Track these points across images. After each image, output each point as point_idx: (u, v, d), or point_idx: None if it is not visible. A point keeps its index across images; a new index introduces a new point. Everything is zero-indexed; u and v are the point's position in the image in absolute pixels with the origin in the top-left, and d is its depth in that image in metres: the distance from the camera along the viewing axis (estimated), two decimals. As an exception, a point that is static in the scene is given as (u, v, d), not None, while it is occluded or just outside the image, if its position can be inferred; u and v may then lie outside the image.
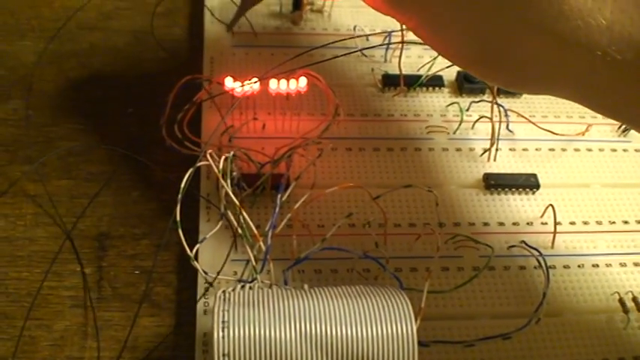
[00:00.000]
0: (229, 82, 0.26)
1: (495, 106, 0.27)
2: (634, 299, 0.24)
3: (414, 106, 0.29)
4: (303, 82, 0.27)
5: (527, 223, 0.26)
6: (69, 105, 0.29)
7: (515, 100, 0.30)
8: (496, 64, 0.18)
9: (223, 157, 0.24)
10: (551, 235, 0.25)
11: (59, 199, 0.26)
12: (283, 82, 0.27)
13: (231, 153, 0.23)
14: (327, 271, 0.24)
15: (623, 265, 0.25)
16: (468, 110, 0.29)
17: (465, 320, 0.23)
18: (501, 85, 0.20)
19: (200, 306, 0.22)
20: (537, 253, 0.24)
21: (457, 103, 0.29)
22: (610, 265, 0.25)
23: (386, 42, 0.30)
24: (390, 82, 0.30)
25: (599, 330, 0.23)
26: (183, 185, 0.22)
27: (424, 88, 0.30)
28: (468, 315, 0.23)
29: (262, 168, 0.25)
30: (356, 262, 0.23)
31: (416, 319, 0.19)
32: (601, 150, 0.29)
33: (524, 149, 0.28)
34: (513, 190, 0.27)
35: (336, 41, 0.29)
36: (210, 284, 0.23)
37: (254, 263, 0.22)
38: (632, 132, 0.29)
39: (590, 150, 0.28)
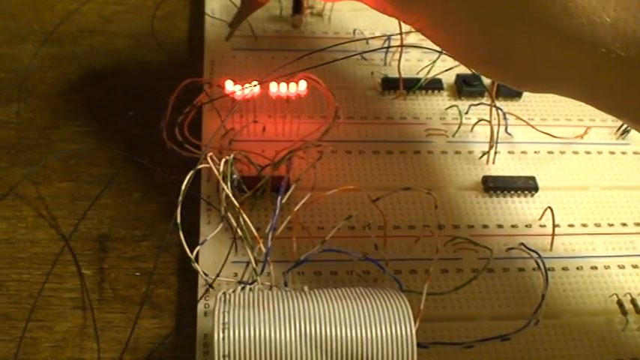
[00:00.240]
0: (229, 85, 0.27)
1: (494, 109, 0.27)
2: (632, 301, 0.24)
3: (414, 109, 0.29)
4: (303, 85, 0.27)
5: (526, 226, 0.26)
6: (70, 108, 0.29)
7: (514, 103, 0.30)
8: (502, 63, 0.19)
9: (224, 160, 0.24)
10: (550, 237, 0.25)
11: (60, 202, 0.26)
12: (283, 85, 0.27)
13: (232, 155, 0.23)
14: (327, 273, 0.24)
15: (621, 267, 0.25)
16: (467, 113, 0.29)
17: (464, 322, 0.23)
18: (509, 83, 0.20)
19: (200, 307, 0.23)
20: (536, 255, 0.24)
21: (456, 106, 0.29)
22: (608, 267, 0.25)
23: (385, 45, 0.30)
24: (390, 85, 0.30)
25: (597, 332, 0.23)
26: (183, 188, 0.22)
27: (423, 91, 0.30)
28: (467, 316, 0.23)
29: (262, 170, 0.25)
30: (355, 264, 0.24)
31: (415, 321, 0.19)
32: (599, 153, 0.29)
33: (522, 152, 0.28)
34: (512, 192, 0.27)
35: (336, 45, 0.29)
36: (211, 286, 0.23)
37: (254, 265, 0.22)
38: (631, 135, 0.29)
39: (588, 153, 0.29)
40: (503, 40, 0.18)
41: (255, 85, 0.26)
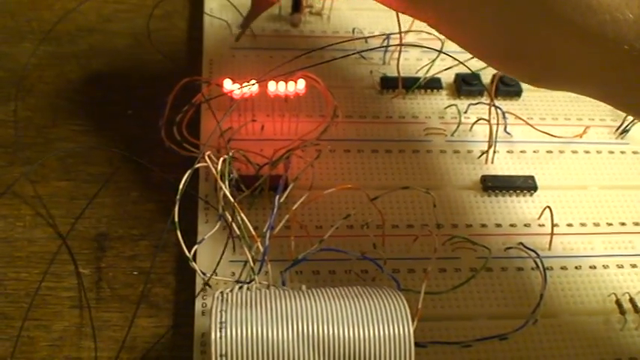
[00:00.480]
0: (228, 84, 0.26)
1: (493, 108, 0.27)
2: (631, 300, 0.24)
3: (413, 109, 0.29)
4: (301, 84, 0.27)
5: (525, 225, 0.26)
6: (68, 106, 0.29)
7: (513, 103, 0.30)
8: (520, 60, 0.18)
9: (221, 159, 0.24)
10: (549, 236, 0.25)
11: (58, 201, 0.26)
12: (282, 84, 0.27)
13: (229, 154, 0.23)
14: (325, 272, 0.24)
15: (620, 266, 0.25)
16: (465, 112, 0.29)
17: (462, 321, 0.23)
18: (525, 80, 0.19)
19: (198, 306, 0.22)
20: (535, 255, 0.24)
21: (455, 105, 0.29)
22: (607, 266, 0.25)
23: (384, 44, 0.30)
24: (389, 84, 0.30)
25: (596, 331, 0.23)
26: (181, 187, 0.22)
27: (422, 91, 0.30)
28: (465, 316, 0.23)
29: (260, 169, 0.25)
30: (354, 263, 0.24)
31: (413, 320, 0.19)
32: (599, 152, 0.29)
33: (521, 151, 0.28)
34: (511, 192, 0.27)
35: (335, 43, 0.29)
36: (208, 285, 0.23)
37: (252, 264, 0.22)
38: (630, 134, 0.29)
39: (587, 152, 0.29)
40: (521, 37, 0.17)
41: (253, 84, 0.26)
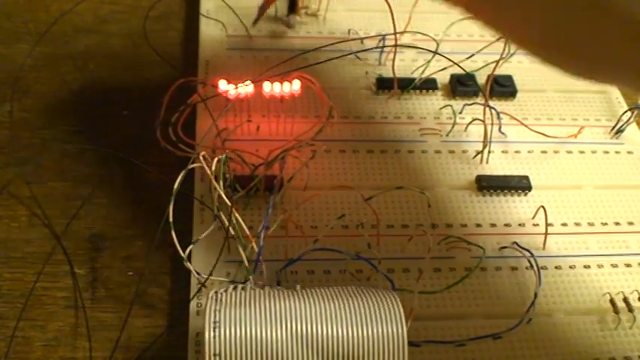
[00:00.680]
0: (223, 85, 0.27)
1: (488, 108, 0.27)
2: (625, 300, 0.24)
3: (408, 109, 0.30)
4: (297, 84, 0.27)
5: (519, 225, 0.26)
6: (64, 107, 0.29)
7: (508, 103, 0.30)
8: (564, 50, 0.17)
9: (216, 159, 0.24)
10: (543, 236, 0.25)
11: (54, 201, 0.26)
12: (277, 84, 0.27)
13: (224, 155, 0.23)
14: (320, 272, 0.24)
15: (614, 266, 0.25)
16: (461, 113, 0.29)
17: (456, 320, 0.23)
18: (570, 72, 0.19)
19: (193, 306, 0.23)
20: (529, 254, 0.24)
21: (450, 105, 0.29)
22: (601, 266, 0.25)
23: (380, 45, 0.30)
24: (384, 84, 0.30)
25: (590, 330, 0.23)
26: (175, 187, 0.22)
27: (418, 91, 0.30)
28: (459, 315, 0.23)
29: (256, 170, 0.25)
30: (348, 263, 0.24)
31: (407, 320, 0.19)
32: (593, 152, 0.29)
33: (516, 151, 0.28)
34: (505, 191, 0.27)
35: (331, 44, 0.29)
36: (203, 285, 0.23)
37: (247, 264, 0.22)
38: (625, 134, 0.29)
39: (582, 152, 0.29)
40: (569, 27, 0.16)
41: (247, 85, 0.26)
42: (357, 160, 0.27)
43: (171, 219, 0.22)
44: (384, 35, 0.30)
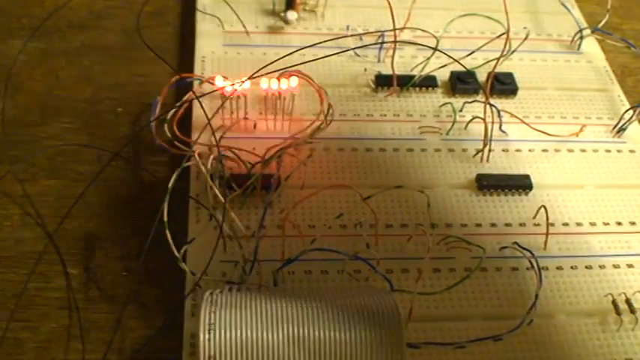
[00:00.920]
0: (219, 81, 0.26)
1: (488, 106, 0.27)
2: (627, 301, 0.24)
3: (407, 107, 0.29)
4: (294, 81, 0.27)
5: (520, 225, 0.26)
6: (57, 104, 0.28)
7: (509, 101, 0.30)
8: None
9: (212, 157, 0.24)
10: (544, 236, 0.25)
11: (47, 200, 0.25)
12: (274, 81, 0.27)
13: (220, 153, 0.23)
14: (318, 272, 0.23)
15: (616, 266, 0.25)
16: (461, 111, 0.29)
17: (456, 322, 0.23)
18: None
19: (188, 308, 0.22)
20: (530, 255, 0.24)
21: (450, 103, 0.29)
22: (603, 266, 0.25)
23: (379, 42, 0.30)
24: (383, 82, 0.29)
25: (592, 332, 0.23)
26: (170, 185, 0.22)
27: (417, 89, 0.30)
28: (459, 316, 0.23)
29: (252, 168, 0.25)
30: (346, 263, 0.23)
31: (406, 321, 0.19)
32: (595, 151, 0.28)
33: (517, 150, 0.28)
34: (506, 191, 0.26)
35: (329, 40, 0.29)
36: (199, 285, 0.22)
37: (243, 264, 0.22)
38: (627, 133, 0.29)
39: (583, 151, 0.28)
40: None
41: (243, 81, 0.25)
42: (356, 158, 0.27)
43: (165, 218, 0.22)
44: (383, 32, 0.30)
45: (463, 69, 0.29)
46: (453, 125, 0.28)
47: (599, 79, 0.31)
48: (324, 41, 0.28)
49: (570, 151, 0.28)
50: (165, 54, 0.30)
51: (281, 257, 0.23)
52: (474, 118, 0.28)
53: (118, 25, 0.32)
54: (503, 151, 0.28)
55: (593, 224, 0.26)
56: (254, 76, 0.24)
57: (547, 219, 0.25)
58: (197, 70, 0.29)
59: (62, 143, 0.27)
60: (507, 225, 0.26)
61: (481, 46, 0.30)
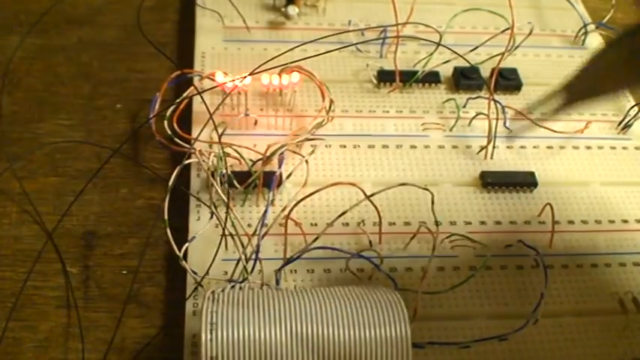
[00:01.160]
0: (220, 77, 0.26)
1: (492, 102, 0.26)
2: (634, 300, 0.23)
3: (410, 103, 0.29)
4: (295, 77, 0.26)
5: (525, 222, 0.25)
6: (56, 100, 0.28)
7: (513, 97, 0.29)
8: None
9: (212, 154, 0.23)
10: (550, 234, 0.25)
11: (45, 197, 0.25)
12: (275, 77, 0.26)
13: (221, 150, 0.23)
14: (320, 271, 0.23)
15: (622, 264, 0.24)
16: (464, 107, 0.28)
17: (460, 321, 0.22)
18: None
19: (189, 307, 0.22)
20: (535, 253, 0.24)
21: (454, 99, 0.29)
22: (609, 264, 0.24)
23: (381, 37, 0.30)
24: (386, 77, 0.29)
25: (598, 331, 0.23)
26: (171, 182, 0.21)
27: (420, 84, 0.29)
28: (463, 316, 0.23)
29: (254, 165, 0.25)
30: (350, 262, 0.23)
31: (410, 321, 0.19)
32: (600, 147, 0.28)
33: (521, 147, 0.28)
34: (511, 188, 0.26)
35: (331, 35, 0.28)
36: (200, 284, 0.22)
37: (245, 263, 0.22)
38: (632, 129, 0.29)
39: (589, 147, 0.28)
40: None
41: (244, 77, 0.25)
42: (359, 155, 0.27)
43: (166, 216, 0.21)
44: (386, 26, 0.30)
45: (466, 65, 0.28)
46: (456, 121, 0.28)
47: (603, 75, 0.31)
48: (326, 36, 0.28)
49: (575, 147, 0.28)
50: (164, 50, 0.30)
51: (283, 256, 0.23)
52: (477, 114, 0.28)
53: (117, 21, 0.31)
54: (508, 147, 0.28)
55: (598, 222, 0.26)
56: (255, 71, 0.24)
57: (552, 216, 0.25)
58: (197, 66, 0.29)
59: (61, 140, 0.27)
60: (512, 223, 0.25)
61: (485, 42, 0.30)
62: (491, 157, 0.27)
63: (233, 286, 0.20)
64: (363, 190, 0.23)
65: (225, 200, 0.22)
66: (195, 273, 0.22)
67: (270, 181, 0.24)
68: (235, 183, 0.24)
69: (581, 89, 0.19)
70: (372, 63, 0.30)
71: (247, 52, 0.30)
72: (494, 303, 0.23)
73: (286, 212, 0.22)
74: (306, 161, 0.25)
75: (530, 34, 0.30)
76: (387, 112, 0.28)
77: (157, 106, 0.26)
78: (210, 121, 0.24)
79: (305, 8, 0.31)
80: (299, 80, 0.26)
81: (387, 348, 0.18)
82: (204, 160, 0.23)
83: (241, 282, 0.22)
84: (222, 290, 0.20)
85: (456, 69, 0.29)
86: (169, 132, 0.26)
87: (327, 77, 0.28)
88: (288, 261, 0.22)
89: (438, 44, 0.28)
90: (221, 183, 0.23)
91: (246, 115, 0.27)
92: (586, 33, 0.32)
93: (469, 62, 0.28)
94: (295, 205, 0.22)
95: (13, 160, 0.26)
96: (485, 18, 0.30)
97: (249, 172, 0.24)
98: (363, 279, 0.23)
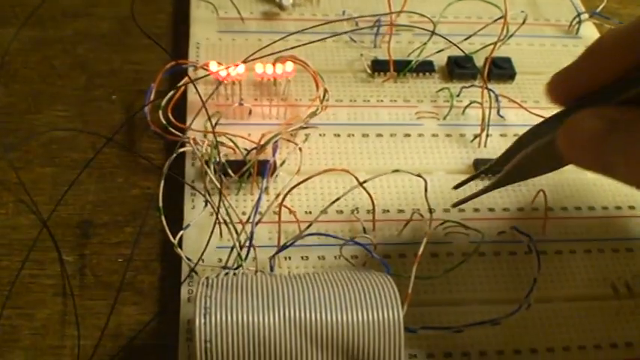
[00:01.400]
0: (214, 67, 0.26)
1: (486, 91, 0.27)
2: (626, 285, 0.23)
3: (404, 92, 0.29)
4: (289, 66, 0.26)
5: (518, 209, 0.25)
6: (52, 92, 0.28)
7: (507, 86, 0.30)
8: None
9: (206, 142, 0.24)
10: (542, 220, 0.25)
11: (42, 187, 0.25)
12: (269, 66, 0.26)
13: (215, 138, 0.23)
14: (314, 258, 0.23)
15: (615, 250, 0.25)
16: (458, 96, 0.29)
17: (453, 306, 0.22)
18: None
19: (184, 293, 0.22)
20: (528, 239, 0.24)
21: (448, 88, 0.29)
22: (602, 250, 0.25)
23: (376, 25, 0.30)
24: (380, 67, 0.29)
25: (590, 316, 0.23)
26: (164, 170, 0.21)
27: (414, 74, 0.29)
28: (456, 301, 0.23)
29: (248, 154, 0.25)
30: (343, 249, 0.23)
31: (403, 305, 0.19)
32: (593, 135, 0.28)
33: (515, 135, 0.28)
34: (504, 175, 0.26)
35: (324, 23, 0.28)
36: (194, 271, 0.22)
37: (239, 250, 0.22)
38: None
39: (582, 135, 0.28)
40: None
41: (237, 65, 0.25)
42: (353, 144, 0.27)
43: (160, 203, 0.21)
44: (380, 15, 0.30)
45: (460, 54, 0.28)
46: (450, 110, 0.28)
47: (597, 64, 0.31)
48: (319, 25, 0.28)
49: (569, 135, 0.28)
50: (159, 41, 0.30)
51: (277, 243, 0.23)
52: (471, 102, 0.28)
53: (112, 13, 0.31)
54: (501, 135, 0.28)
55: (591, 208, 0.26)
56: (249, 59, 0.24)
57: (545, 203, 0.25)
58: (192, 57, 0.29)
59: (56, 130, 0.27)
60: (505, 210, 0.25)
61: (478, 31, 0.30)
62: (485, 145, 0.27)
63: (227, 273, 0.20)
64: (356, 177, 0.23)
65: (219, 188, 0.22)
66: (189, 260, 0.22)
67: (264, 170, 0.24)
68: (230, 171, 0.24)
69: (512, 179, 0.22)
70: (366, 53, 0.30)
71: (242, 43, 0.30)
72: (487, 289, 0.23)
73: (280, 200, 0.23)
74: (300, 149, 0.25)
75: (523, 23, 0.30)
76: (381, 101, 0.28)
77: (151, 97, 0.27)
78: (204, 110, 0.24)
79: (299, -1, 0.32)
80: (293, 70, 0.27)
81: (380, 330, 0.18)
82: (198, 149, 0.23)
83: (235, 269, 0.22)
84: (217, 276, 0.20)
85: (449, 58, 0.30)
86: (164, 122, 0.26)
87: (321, 67, 0.28)
88: (282, 248, 0.22)
89: (432, 33, 0.28)
90: (215, 172, 0.23)
91: (241, 104, 0.27)
92: (580, 22, 0.32)
93: (463, 51, 0.28)
94: (289, 191, 0.22)
95: (10, 151, 0.26)
96: (479, 7, 0.31)
97: (244, 161, 0.24)
98: (356, 265, 0.23)
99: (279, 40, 0.26)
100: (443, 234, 0.24)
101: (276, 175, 0.25)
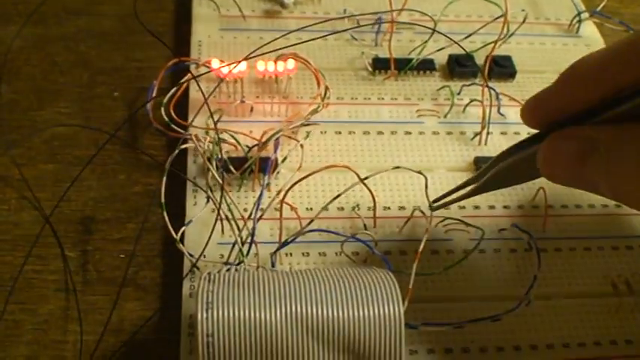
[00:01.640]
0: (216, 65, 0.26)
1: (487, 89, 0.27)
2: (626, 282, 0.24)
3: (405, 90, 0.29)
4: (291, 64, 0.27)
5: (519, 207, 0.26)
6: (54, 89, 0.28)
7: (507, 84, 0.30)
8: None
9: (208, 140, 0.24)
10: (543, 218, 0.25)
11: (44, 183, 0.25)
12: (271, 64, 0.26)
13: (217, 135, 0.23)
14: (315, 254, 0.23)
15: (615, 248, 0.25)
16: (459, 94, 0.29)
17: (454, 302, 0.23)
18: None
19: (186, 289, 0.22)
20: (528, 236, 0.24)
21: (448, 86, 0.29)
22: (602, 248, 0.25)
23: (376, 25, 0.30)
24: (381, 65, 0.29)
25: (590, 313, 0.23)
26: (166, 167, 0.21)
27: (415, 72, 0.29)
28: (457, 297, 0.23)
29: (250, 151, 0.25)
30: (344, 245, 0.23)
31: (404, 301, 0.19)
32: (593, 133, 0.28)
33: (515, 133, 0.28)
34: (504, 173, 0.26)
35: (325, 20, 0.28)
36: (196, 267, 0.22)
37: (240, 246, 0.22)
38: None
39: (582, 133, 0.28)
40: None
41: (239, 62, 0.25)
42: (354, 141, 0.27)
43: (163, 199, 0.22)
44: (381, 13, 0.30)
45: (461, 52, 0.28)
46: (451, 108, 0.28)
47: (598, 63, 0.31)
48: (320, 22, 0.28)
49: (569, 133, 0.28)
50: (161, 38, 0.30)
51: (279, 239, 0.23)
52: (472, 101, 0.28)
53: (115, 10, 0.31)
54: (502, 133, 0.28)
55: (591, 206, 0.26)
56: (250, 56, 0.24)
57: (545, 201, 0.25)
58: (193, 55, 0.29)
59: (59, 127, 0.27)
60: (506, 207, 0.25)
61: (479, 29, 0.30)
62: (485, 143, 0.27)
63: (229, 269, 0.20)
64: (357, 173, 0.23)
65: (221, 184, 0.22)
66: (191, 256, 0.22)
67: (266, 167, 0.24)
68: (231, 168, 0.24)
69: (491, 188, 0.22)
70: (367, 51, 0.30)
71: (243, 41, 0.30)
72: (487, 285, 0.23)
73: (281, 196, 0.23)
74: (301, 145, 0.25)
75: (524, 21, 0.30)
76: (382, 99, 0.29)
77: (154, 94, 0.27)
78: (206, 106, 0.24)
79: (301, -3, 0.32)
80: (294, 67, 0.27)
81: (381, 326, 0.18)
82: (200, 145, 0.24)
83: (237, 265, 0.22)
84: (219, 272, 0.20)
85: (450, 56, 0.30)
86: (166, 119, 0.26)
87: (323, 65, 0.28)
88: (283, 244, 0.22)
89: (433, 31, 0.28)
90: (217, 168, 0.24)
91: (242, 101, 0.27)
92: (580, 21, 0.32)
93: (464, 49, 0.28)
94: (290, 188, 0.23)
95: (13, 147, 0.26)
96: (480, 6, 0.31)
97: (246, 158, 0.25)
98: (357, 262, 0.23)
99: (280, 37, 0.26)
100: (443, 231, 0.24)
101: (278, 172, 0.25)
